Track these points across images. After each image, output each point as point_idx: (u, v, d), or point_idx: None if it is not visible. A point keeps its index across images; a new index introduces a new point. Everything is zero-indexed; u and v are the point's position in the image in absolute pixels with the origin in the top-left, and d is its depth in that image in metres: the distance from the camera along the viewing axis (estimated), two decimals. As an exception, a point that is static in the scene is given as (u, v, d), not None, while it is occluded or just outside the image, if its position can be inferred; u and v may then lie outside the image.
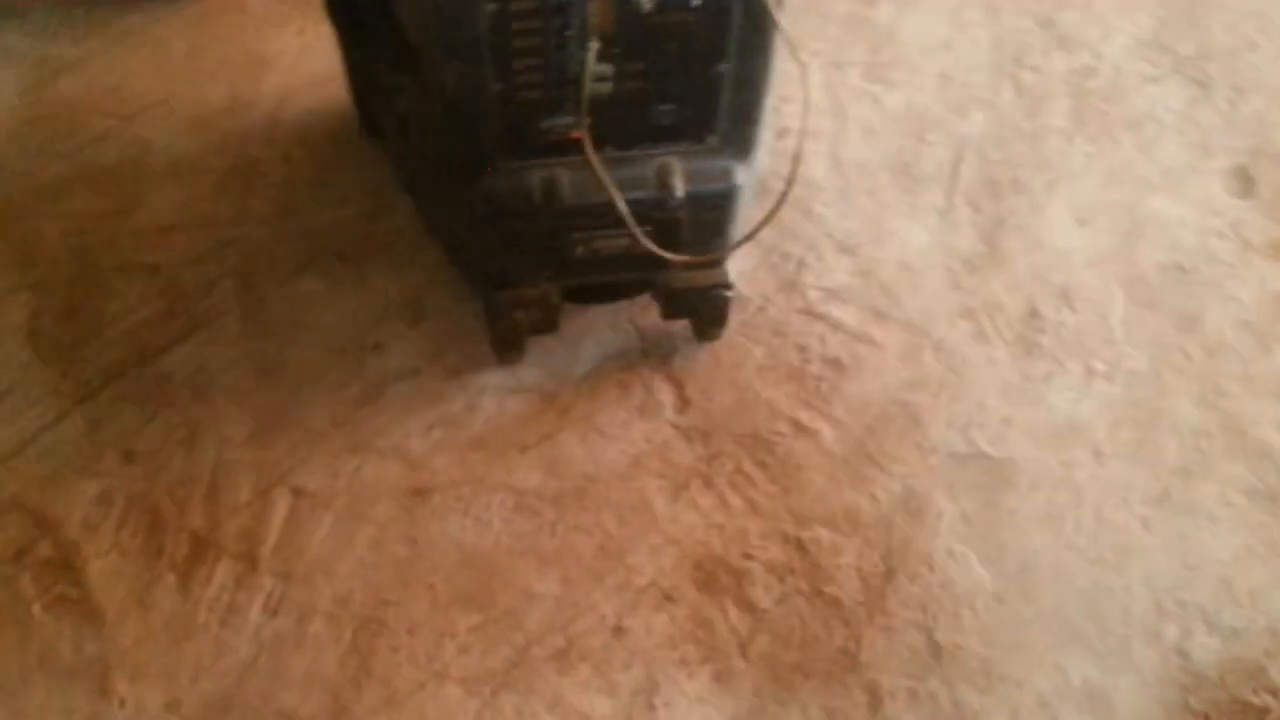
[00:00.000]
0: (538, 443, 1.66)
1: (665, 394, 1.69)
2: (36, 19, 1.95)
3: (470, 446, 1.65)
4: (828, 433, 1.68)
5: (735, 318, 1.69)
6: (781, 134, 1.86)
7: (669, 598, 1.55)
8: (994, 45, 2.01)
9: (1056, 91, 1.98)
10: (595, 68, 1.30)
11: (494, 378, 1.70)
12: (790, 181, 1.27)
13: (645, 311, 1.75)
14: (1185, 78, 2.00)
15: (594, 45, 1.29)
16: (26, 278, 1.76)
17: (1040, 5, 2.05)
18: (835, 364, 1.73)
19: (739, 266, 1.64)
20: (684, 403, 1.69)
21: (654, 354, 1.72)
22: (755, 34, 1.31)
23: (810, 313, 1.77)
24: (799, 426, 1.68)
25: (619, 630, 1.52)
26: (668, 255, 1.45)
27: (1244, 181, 1.92)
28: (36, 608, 1.52)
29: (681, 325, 1.72)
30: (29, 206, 1.81)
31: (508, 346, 1.67)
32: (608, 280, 1.62)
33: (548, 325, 1.63)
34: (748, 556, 1.58)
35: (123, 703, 1.47)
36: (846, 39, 2.00)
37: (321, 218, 1.81)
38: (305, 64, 1.93)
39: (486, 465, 1.64)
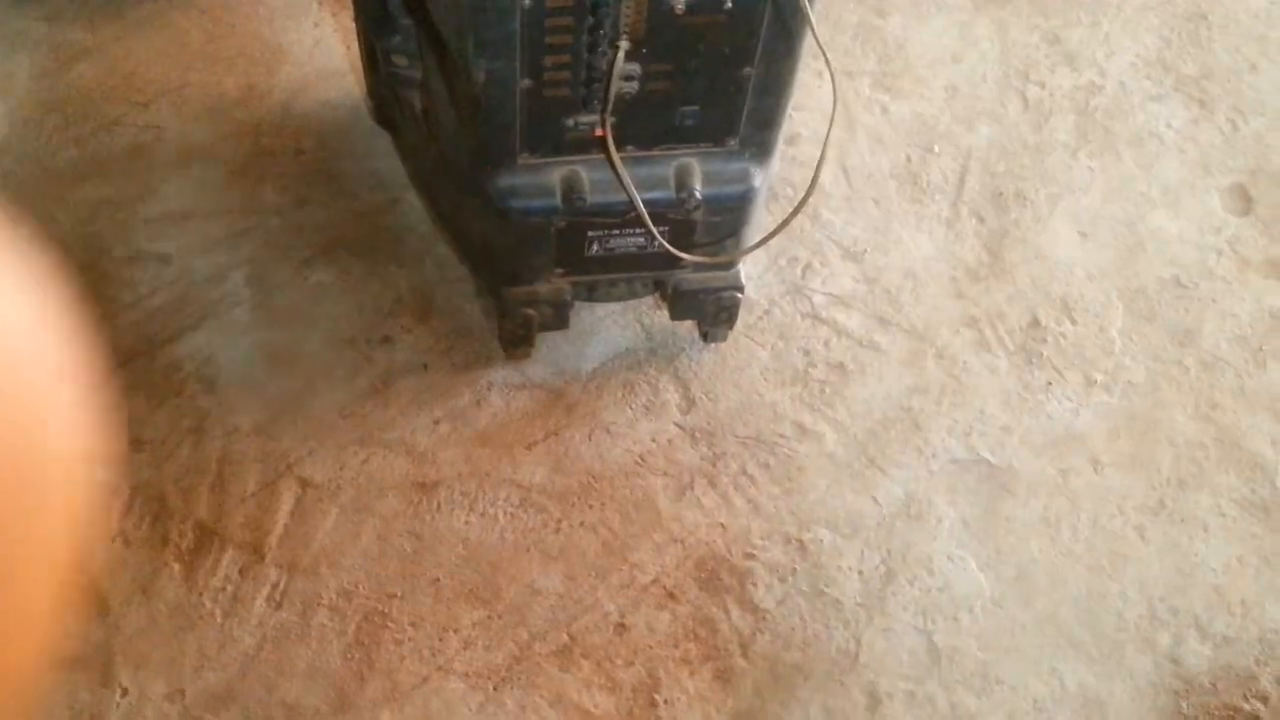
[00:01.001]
0: (544, 439, 1.67)
1: (671, 394, 1.71)
2: (54, 3, 1.95)
3: (477, 441, 1.67)
4: (830, 436, 1.70)
5: (741, 320, 1.70)
6: (792, 140, 1.89)
7: (672, 596, 1.56)
8: (1001, 60, 2.04)
9: (1062, 107, 2.00)
10: (623, 67, 1.32)
11: (501, 373, 1.72)
12: (811, 187, 1.29)
13: (652, 311, 1.76)
14: (1187, 97, 2.03)
15: (624, 44, 1.30)
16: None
17: (1048, 22, 2.07)
18: (839, 368, 1.75)
19: (746, 270, 1.66)
20: (689, 403, 1.71)
21: (660, 354, 1.74)
22: (783, 38, 1.32)
23: (815, 317, 1.79)
24: (802, 429, 1.70)
25: (621, 627, 1.54)
26: (685, 256, 1.47)
27: (1243, 200, 1.95)
28: (41, 591, 1.53)
29: (688, 326, 1.74)
30: (41, 192, 1.82)
31: (517, 343, 1.68)
32: (619, 279, 1.64)
33: (558, 323, 1.65)
34: (750, 556, 1.60)
35: (125, 691, 1.48)
36: (857, 49, 2.02)
37: (333, 210, 1.82)
38: (321, 56, 1.94)
39: (492, 461, 1.65)
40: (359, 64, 1.84)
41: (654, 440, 1.68)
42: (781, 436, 1.69)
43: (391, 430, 1.67)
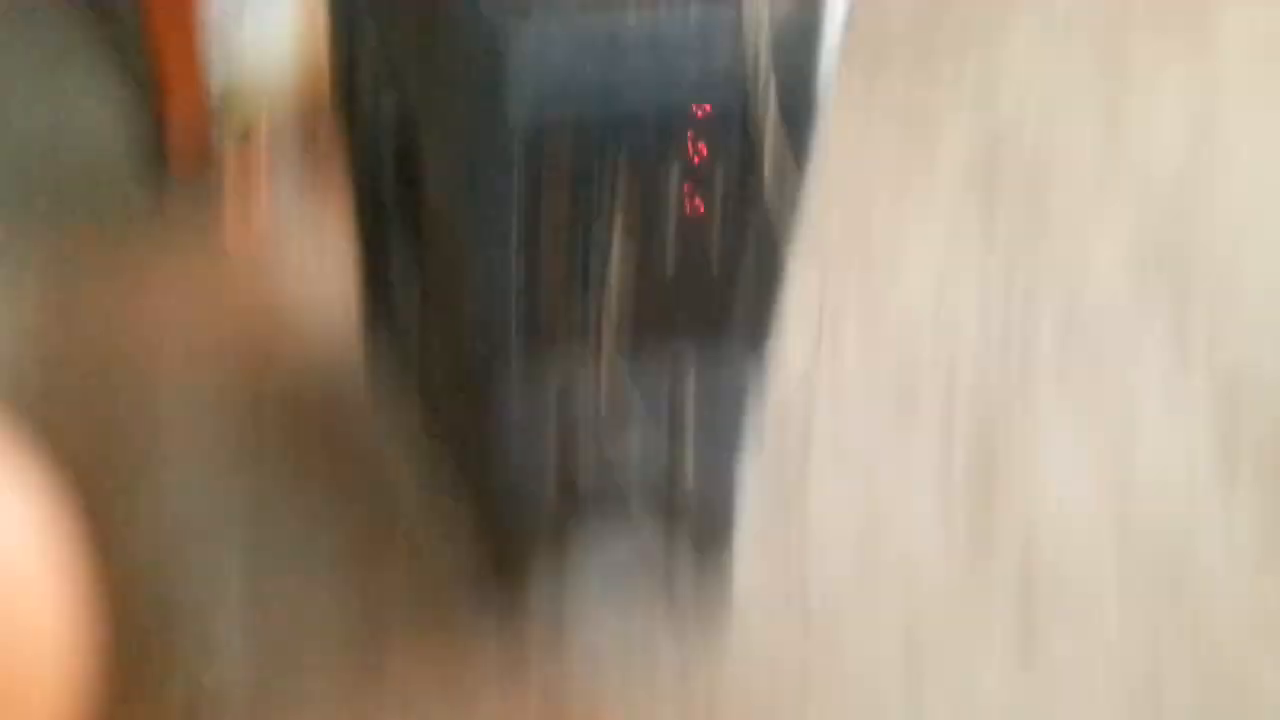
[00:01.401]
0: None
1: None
2: (64, 261, 2.00)
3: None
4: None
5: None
6: (784, 333, 1.90)
7: None
8: (981, 310, 2.08)
9: (1044, 310, 2.05)
10: (618, 272, 1.35)
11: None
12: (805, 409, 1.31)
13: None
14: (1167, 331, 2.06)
15: (618, 241, 1.34)
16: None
17: (1022, 275, 2.13)
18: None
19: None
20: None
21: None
22: (775, 234, 1.37)
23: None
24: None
25: None
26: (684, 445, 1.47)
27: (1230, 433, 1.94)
28: None
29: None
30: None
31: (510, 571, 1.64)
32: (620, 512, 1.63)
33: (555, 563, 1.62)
34: None
35: None
36: (844, 243, 2.06)
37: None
38: (322, 313, 1.98)
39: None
40: (361, 313, 1.89)
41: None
42: None
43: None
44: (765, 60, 1.19)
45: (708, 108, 1.24)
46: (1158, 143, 2.22)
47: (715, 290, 1.44)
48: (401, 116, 1.45)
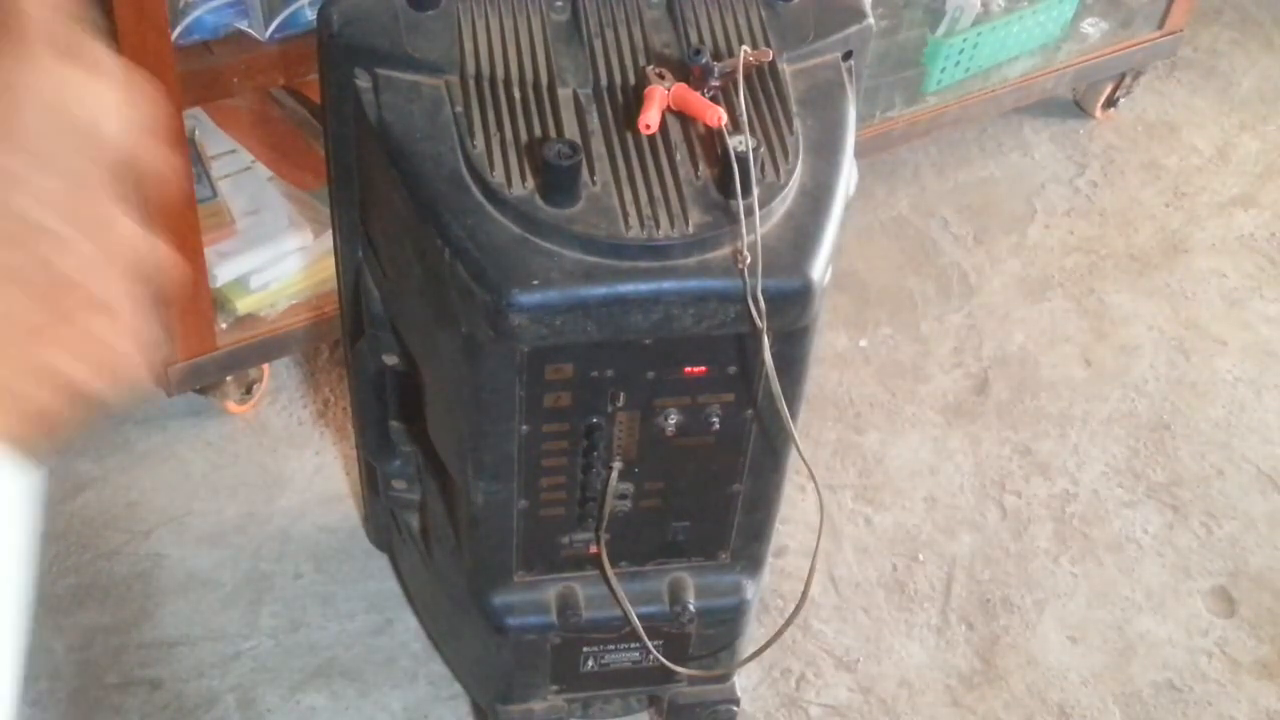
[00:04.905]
0: None
1: (670, 814, 1.67)
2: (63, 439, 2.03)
3: None
4: None
5: (738, 735, 1.69)
6: (779, 552, 1.93)
7: None
8: (976, 471, 2.11)
9: (1039, 515, 2.06)
10: (616, 486, 1.37)
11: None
12: (802, 599, 1.32)
13: (648, 728, 1.75)
14: (1160, 503, 2.09)
15: (616, 465, 1.36)
16: (27, 694, 1.75)
17: (1017, 435, 2.17)
18: (840, 783, 1.72)
19: (740, 682, 1.67)
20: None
21: (658, 772, 1.71)
22: (769, 455, 1.39)
23: (812, 730, 1.78)
24: None
25: None
26: (679, 670, 1.48)
27: (1226, 602, 1.98)
28: None
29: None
30: (36, 620, 1.82)
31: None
32: (614, 694, 1.64)
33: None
34: None
35: None
36: (837, 464, 2.10)
37: (328, 632, 1.84)
38: (320, 483, 2.00)
39: None
40: (359, 489, 1.90)
41: None
42: None
43: None
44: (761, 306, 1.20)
45: (702, 369, 1.28)
46: (1139, 366, 2.27)
47: (712, 509, 1.46)
48: (405, 350, 1.48)
